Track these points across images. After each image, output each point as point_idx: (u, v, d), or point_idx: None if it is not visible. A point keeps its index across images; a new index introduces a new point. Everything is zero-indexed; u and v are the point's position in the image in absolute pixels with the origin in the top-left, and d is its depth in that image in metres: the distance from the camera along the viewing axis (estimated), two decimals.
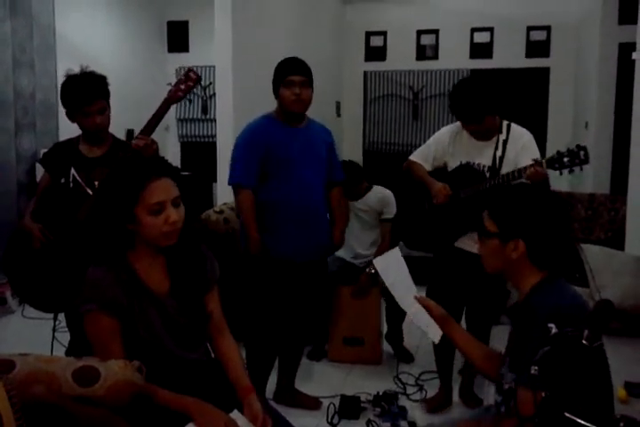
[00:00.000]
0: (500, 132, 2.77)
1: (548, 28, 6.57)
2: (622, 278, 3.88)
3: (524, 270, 1.62)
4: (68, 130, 2.97)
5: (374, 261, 1.92)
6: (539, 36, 6.60)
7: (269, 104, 2.85)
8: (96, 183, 2.56)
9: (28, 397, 1.42)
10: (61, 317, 2.76)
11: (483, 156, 2.78)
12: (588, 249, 4.06)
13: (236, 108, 4.25)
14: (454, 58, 6.77)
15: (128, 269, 1.70)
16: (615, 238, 4.46)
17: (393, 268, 1.87)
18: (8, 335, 3.98)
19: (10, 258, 2.67)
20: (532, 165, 2.53)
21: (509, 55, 6.64)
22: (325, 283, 3.01)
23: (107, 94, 2.57)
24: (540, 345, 1.43)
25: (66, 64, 2.89)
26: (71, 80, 2.52)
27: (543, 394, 1.19)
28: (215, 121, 4.49)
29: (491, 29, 6.70)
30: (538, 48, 6.62)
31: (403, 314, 3.13)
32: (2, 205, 4.42)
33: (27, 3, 4.59)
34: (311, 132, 2.85)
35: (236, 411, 1.70)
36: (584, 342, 1.23)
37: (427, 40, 6.91)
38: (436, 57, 6.90)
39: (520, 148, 2.72)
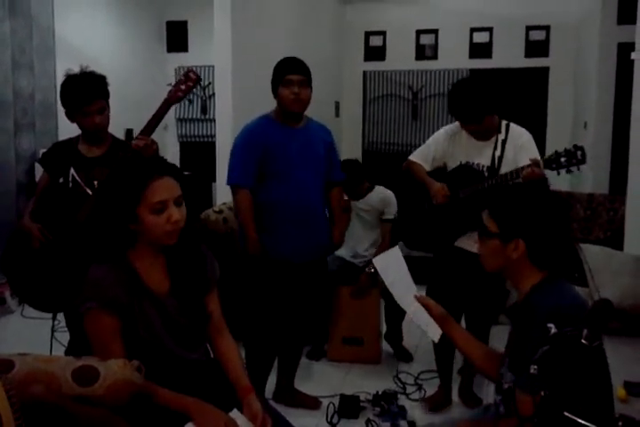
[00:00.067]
0: (499, 132, 2.77)
1: (547, 28, 6.58)
2: (621, 278, 3.88)
3: (524, 270, 1.62)
4: (68, 130, 2.97)
5: (374, 260, 1.92)
6: (538, 35, 6.61)
7: (269, 104, 2.85)
8: (95, 183, 2.56)
9: (28, 396, 1.42)
10: (61, 317, 2.76)
11: (482, 156, 2.79)
12: (587, 249, 4.06)
13: (235, 108, 4.25)
14: (454, 58, 6.77)
15: (128, 268, 1.70)
16: (614, 238, 4.46)
17: (393, 267, 1.87)
18: (7, 335, 3.98)
19: (9, 258, 2.67)
20: (529, 166, 2.53)
21: (509, 55, 6.64)
22: (325, 283, 3.01)
23: (106, 94, 2.57)
24: (540, 345, 1.43)
25: (65, 65, 2.89)
26: (71, 80, 2.52)
27: (542, 394, 1.19)
28: (214, 121, 4.50)
29: (490, 29, 6.70)
30: (537, 48, 6.62)
31: (402, 314, 3.13)
32: (1, 205, 4.42)
33: (26, 3, 4.59)
34: (310, 131, 2.85)
35: (235, 410, 1.70)
36: (583, 341, 1.23)
37: (426, 40, 6.92)
38: (435, 57, 6.90)
39: (519, 147, 2.72)
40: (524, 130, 2.81)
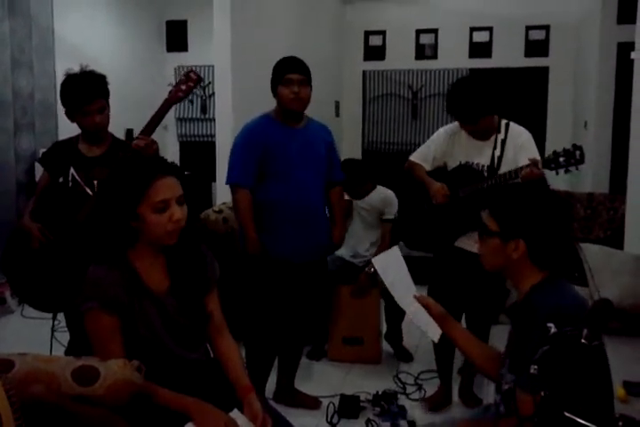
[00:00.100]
0: (499, 132, 2.77)
1: (547, 28, 6.57)
2: (621, 277, 3.88)
3: (524, 270, 1.61)
4: (68, 130, 2.97)
5: (373, 260, 1.92)
6: (538, 35, 6.61)
7: (269, 104, 2.85)
8: (95, 183, 2.56)
9: (28, 396, 1.42)
10: (61, 316, 2.76)
11: (481, 155, 2.78)
12: (587, 248, 4.06)
13: (235, 108, 4.25)
14: (453, 57, 6.77)
15: (128, 267, 1.70)
16: (614, 237, 4.46)
17: (392, 267, 1.87)
18: (7, 335, 3.98)
19: (9, 258, 2.67)
20: (527, 166, 2.53)
21: (508, 55, 6.64)
22: (325, 283, 3.01)
23: (106, 94, 2.57)
24: (540, 345, 1.43)
25: (65, 64, 2.89)
26: (71, 79, 2.52)
27: (542, 393, 1.19)
28: (214, 120, 4.49)
29: (490, 29, 6.70)
30: (537, 47, 6.62)
31: (402, 314, 3.13)
32: (1, 205, 4.42)
33: (25, 3, 4.58)
34: (310, 131, 2.84)
35: (235, 410, 1.70)
36: (583, 341, 1.23)
37: (426, 39, 6.91)
38: (435, 56, 6.90)
39: (519, 147, 2.72)
40: (523, 129, 2.81)
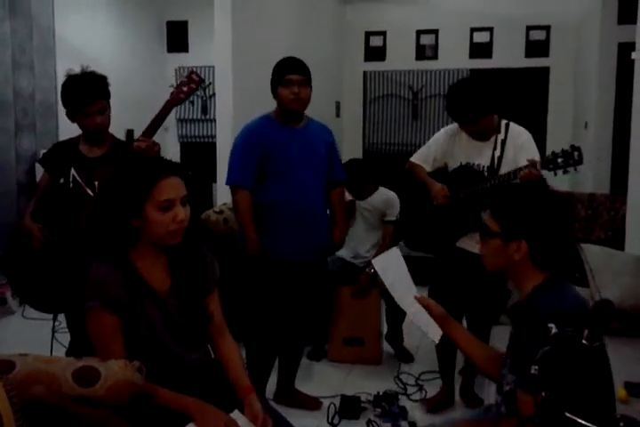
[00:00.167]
0: (499, 132, 2.77)
1: (547, 28, 6.57)
2: (622, 278, 3.88)
3: (525, 271, 1.61)
4: (68, 130, 2.97)
5: (373, 261, 1.92)
6: (538, 35, 6.61)
7: (269, 104, 2.85)
8: (96, 183, 2.56)
9: (28, 397, 1.42)
10: (61, 317, 2.76)
11: (482, 156, 2.78)
12: (588, 249, 4.06)
13: (235, 109, 4.25)
14: (454, 58, 6.77)
15: (130, 267, 1.70)
16: (615, 238, 4.46)
17: (392, 267, 1.87)
18: (8, 336, 3.98)
19: (10, 258, 2.67)
20: (526, 166, 2.53)
21: (509, 55, 6.64)
22: (325, 283, 3.01)
23: (107, 94, 2.57)
24: (541, 345, 1.43)
25: (65, 65, 2.89)
26: (72, 80, 2.52)
27: (543, 394, 1.19)
28: (215, 121, 4.49)
29: (490, 29, 6.70)
30: (537, 48, 6.62)
31: (403, 314, 3.13)
32: (2, 206, 4.42)
33: (26, 3, 4.59)
34: (310, 132, 2.84)
35: (236, 411, 1.70)
36: (584, 341, 1.23)
37: (426, 40, 6.92)
38: (435, 57, 6.90)
39: (519, 147, 2.72)
40: (523, 129, 2.80)
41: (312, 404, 3.02)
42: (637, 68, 3.81)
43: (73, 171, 2.59)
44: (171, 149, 6.88)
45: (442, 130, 2.94)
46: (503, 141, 2.76)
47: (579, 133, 6.24)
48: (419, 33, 6.90)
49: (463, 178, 2.80)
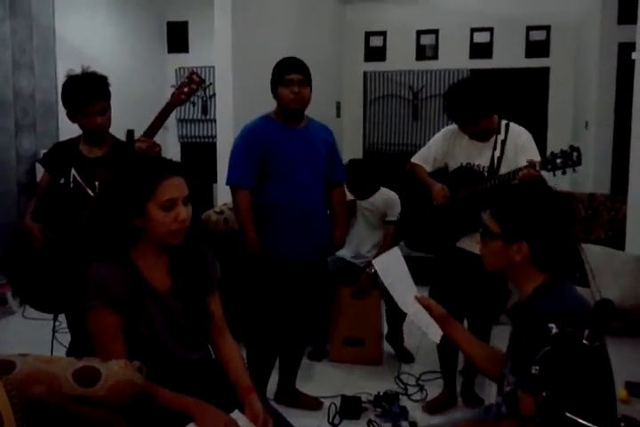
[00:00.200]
0: (499, 133, 2.77)
1: (547, 28, 6.57)
2: (623, 278, 3.87)
3: (526, 272, 1.60)
4: (68, 130, 2.97)
5: (374, 262, 1.92)
6: (538, 35, 6.60)
7: (269, 104, 2.85)
8: (96, 184, 2.56)
9: (29, 397, 1.42)
10: (62, 317, 2.76)
11: (482, 156, 2.78)
12: (588, 249, 4.05)
13: (236, 109, 4.25)
14: (454, 58, 6.77)
15: (131, 266, 1.71)
16: (615, 238, 4.45)
17: (393, 268, 1.86)
18: (8, 336, 3.98)
19: (10, 258, 2.67)
20: (525, 167, 2.52)
21: (509, 55, 6.64)
22: (325, 283, 3.01)
23: (108, 95, 2.57)
24: (541, 345, 1.43)
25: (66, 65, 2.89)
26: (72, 80, 2.52)
27: (544, 394, 1.19)
28: (215, 121, 4.49)
29: (490, 29, 6.70)
30: (537, 48, 6.62)
31: (403, 314, 3.11)
32: (2, 206, 4.42)
33: (26, 3, 4.59)
34: (311, 132, 2.84)
35: (236, 411, 1.70)
36: (584, 341, 1.23)
37: (426, 40, 6.91)
38: (435, 57, 6.90)
39: (519, 148, 2.72)
40: (523, 129, 2.80)
41: (313, 404, 3.02)
42: (638, 68, 3.80)
43: (73, 171, 2.59)
44: (171, 149, 6.87)
45: (442, 130, 2.95)
46: (503, 142, 2.75)
47: (579, 133, 6.24)
48: (419, 33, 6.90)
49: (463, 178, 2.80)
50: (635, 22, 3.78)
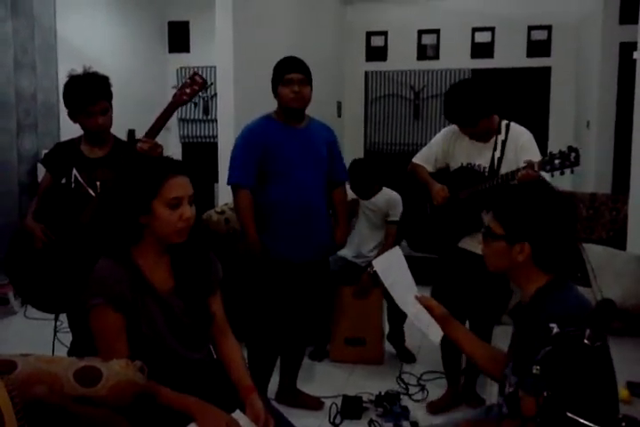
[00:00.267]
0: (499, 133, 2.76)
1: (548, 28, 6.56)
2: (624, 278, 3.87)
3: (529, 273, 1.60)
4: (70, 131, 2.97)
5: (374, 262, 1.92)
6: (540, 35, 6.60)
7: (270, 104, 2.85)
8: (98, 184, 2.57)
9: (30, 397, 1.42)
10: (63, 317, 2.76)
11: (482, 157, 2.78)
12: (589, 249, 4.05)
13: (237, 109, 4.25)
14: (455, 58, 6.76)
15: (131, 264, 1.71)
16: (617, 238, 4.45)
17: (393, 268, 1.86)
18: (10, 336, 3.98)
19: (12, 258, 2.67)
20: (524, 168, 2.52)
21: (510, 55, 6.63)
22: (327, 283, 3.01)
23: (109, 95, 2.57)
24: (542, 345, 1.42)
25: (67, 65, 2.89)
26: (74, 80, 2.53)
27: (545, 394, 1.19)
28: (216, 121, 4.49)
29: (492, 29, 6.69)
30: (539, 48, 6.61)
31: (404, 314, 3.10)
32: (3, 206, 4.43)
33: (28, 4, 4.59)
34: (311, 131, 2.84)
35: (238, 411, 1.70)
36: (586, 341, 1.23)
37: (428, 40, 6.91)
38: (436, 57, 6.89)
39: (520, 148, 2.71)
40: (524, 129, 2.79)
41: (314, 404, 3.02)
42: (639, 67, 3.80)
43: (75, 171, 2.59)
44: (172, 149, 6.87)
45: (443, 130, 2.94)
46: (503, 142, 2.75)
47: (580, 133, 6.23)
48: (420, 33, 6.90)
49: (464, 178, 2.80)
50: (636, 22, 3.77)
